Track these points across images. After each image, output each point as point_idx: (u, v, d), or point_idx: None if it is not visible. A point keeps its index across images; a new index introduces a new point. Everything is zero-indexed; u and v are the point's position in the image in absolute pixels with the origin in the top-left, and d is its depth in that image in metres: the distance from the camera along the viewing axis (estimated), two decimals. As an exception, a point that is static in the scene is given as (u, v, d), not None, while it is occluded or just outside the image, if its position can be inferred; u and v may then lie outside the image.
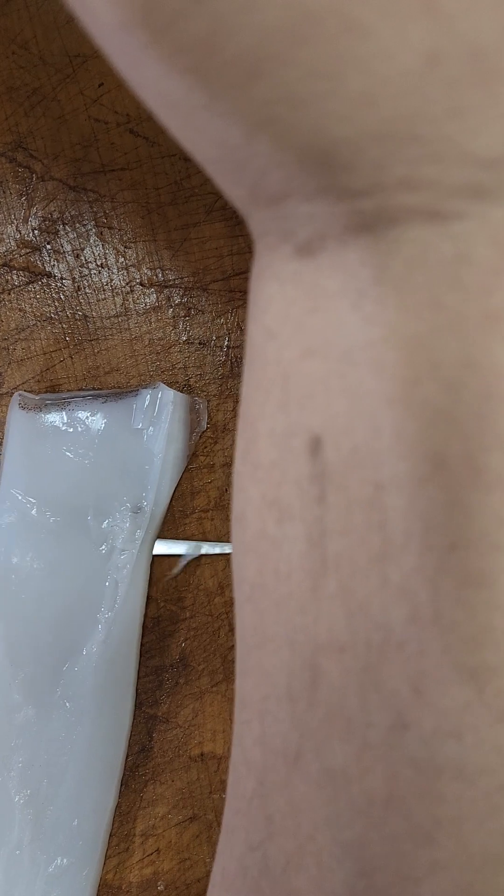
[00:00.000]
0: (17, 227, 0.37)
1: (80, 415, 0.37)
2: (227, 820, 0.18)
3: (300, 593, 0.15)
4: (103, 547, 0.36)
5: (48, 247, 0.37)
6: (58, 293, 0.38)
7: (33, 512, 0.36)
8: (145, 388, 0.37)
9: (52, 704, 0.35)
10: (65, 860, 0.35)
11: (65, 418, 0.37)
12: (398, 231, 0.14)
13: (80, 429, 0.36)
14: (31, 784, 0.35)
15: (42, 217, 0.37)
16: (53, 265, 0.37)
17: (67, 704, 0.35)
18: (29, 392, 0.37)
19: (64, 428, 0.37)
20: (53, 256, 0.37)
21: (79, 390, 0.38)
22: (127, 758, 0.37)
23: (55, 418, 0.37)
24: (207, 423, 0.38)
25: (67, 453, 0.36)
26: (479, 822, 0.14)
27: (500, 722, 0.14)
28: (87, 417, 0.36)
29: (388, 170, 0.13)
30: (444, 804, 0.14)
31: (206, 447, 0.38)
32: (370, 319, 0.14)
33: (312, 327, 0.15)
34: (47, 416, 0.37)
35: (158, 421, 0.36)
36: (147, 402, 0.36)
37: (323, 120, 0.13)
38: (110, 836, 0.37)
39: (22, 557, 0.36)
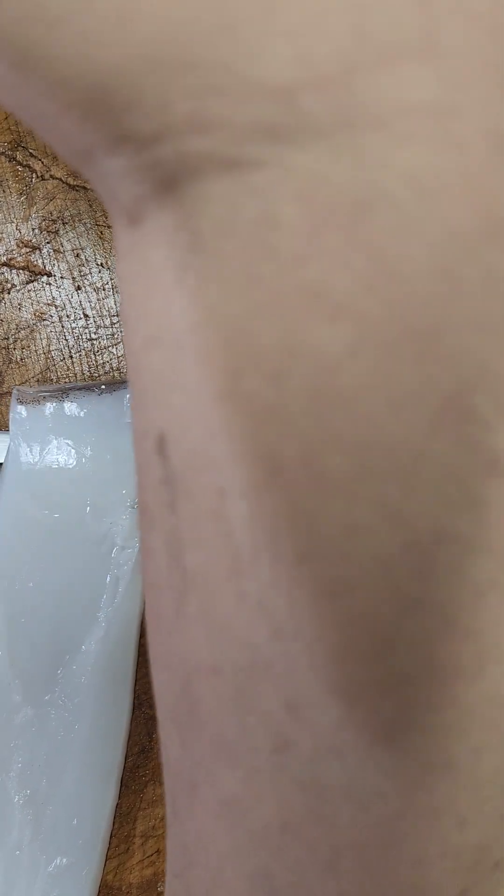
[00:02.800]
0: (17, 226, 0.37)
1: (76, 407, 0.36)
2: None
3: (169, 612, 0.14)
4: (103, 543, 0.36)
5: (48, 246, 0.38)
6: (58, 292, 0.38)
7: (33, 510, 0.36)
8: None
9: (51, 703, 0.35)
10: (64, 860, 0.34)
11: (62, 411, 0.36)
12: (200, 186, 0.12)
13: (77, 422, 0.36)
14: (30, 784, 0.35)
15: (42, 216, 0.37)
16: (53, 264, 0.38)
17: (66, 702, 0.35)
18: (25, 385, 0.37)
19: (61, 421, 0.37)
20: (53, 255, 0.38)
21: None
22: (127, 758, 0.37)
23: (53, 411, 0.37)
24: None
25: (66, 446, 0.36)
26: (383, 850, 0.13)
27: (379, 743, 0.13)
28: (83, 410, 0.36)
29: (171, 106, 0.11)
30: (338, 829, 0.13)
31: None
32: (193, 297, 0.12)
33: (149, 310, 0.13)
34: (45, 409, 0.37)
35: None
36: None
37: (84, 43, 0.11)
38: (110, 837, 0.37)
39: (22, 556, 0.36)
